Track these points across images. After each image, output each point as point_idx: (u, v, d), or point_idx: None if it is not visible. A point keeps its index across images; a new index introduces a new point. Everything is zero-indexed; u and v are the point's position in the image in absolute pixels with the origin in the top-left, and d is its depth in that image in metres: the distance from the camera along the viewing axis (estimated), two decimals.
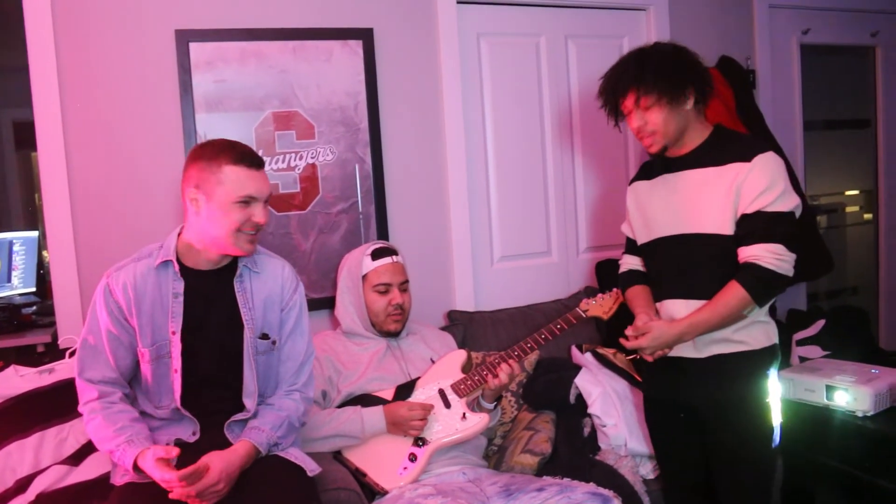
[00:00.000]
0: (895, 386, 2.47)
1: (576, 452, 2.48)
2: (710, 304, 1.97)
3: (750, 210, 1.93)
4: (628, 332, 2.07)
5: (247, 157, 1.93)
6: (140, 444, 1.86)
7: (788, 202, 1.93)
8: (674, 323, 2.01)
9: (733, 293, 1.93)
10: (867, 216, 4.55)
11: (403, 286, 2.57)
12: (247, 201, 1.92)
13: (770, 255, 1.89)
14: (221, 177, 1.90)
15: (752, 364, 2.02)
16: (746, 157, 1.94)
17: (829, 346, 3.08)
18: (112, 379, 1.96)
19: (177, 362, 1.97)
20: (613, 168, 3.52)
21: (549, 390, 2.70)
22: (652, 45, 2.06)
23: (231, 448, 1.92)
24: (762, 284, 1.91)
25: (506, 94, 3.31)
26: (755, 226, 1.92)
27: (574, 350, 2.85)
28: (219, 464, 1.84)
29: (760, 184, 1.91)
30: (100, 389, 1.93)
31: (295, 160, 2.91)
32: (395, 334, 2.56)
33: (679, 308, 2.05)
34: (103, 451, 1.94)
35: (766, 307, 2.04)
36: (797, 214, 1.96)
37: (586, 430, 2.57)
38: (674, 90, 1.96)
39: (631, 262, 2.32)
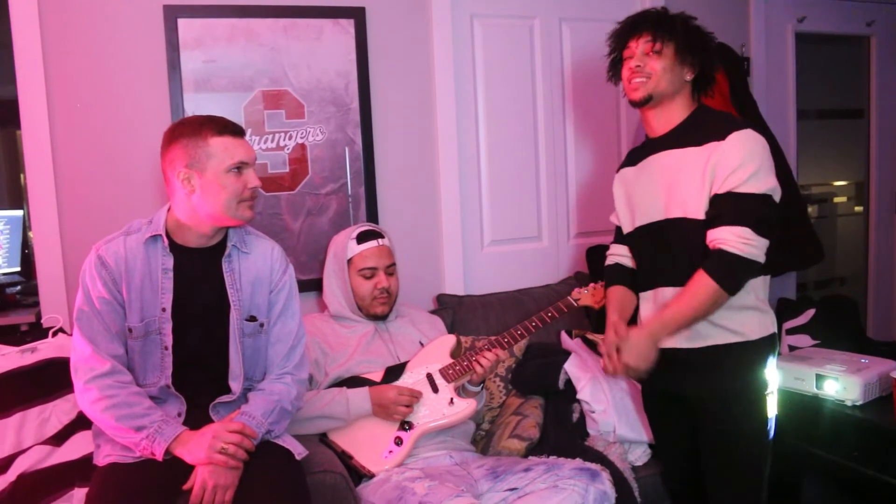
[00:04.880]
0: (884, 375, 2.47)
1: (564, 437, 2.47)
2: (679, 297, 1.90)
3: (721, 190, 1.87)
4: (604, 362, 1.99)
5: (229, 127, 1.95)
6: (171, 430, 1.85)
7: (762, 183, 1.85)
8: (642, 326, 1.96)
9: (700, 284, 1.85)
10: (858, 208, 4.56)
11: (390, 269, 2.55)
12: (239, 167, 1.93)
13: (736, 239, 1.82)
14: (210, 150, 1.89)
15: (748, 355, 1.97)
16: (721, 136, 1.88)
17: (818, 335, 3.08)
18: (119, 355, 1.91)
19: (168, 339, 1.94)
20: (606, 154, 3.49)
21: (538, 376, 2.68)
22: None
23: None
24: (730, 271, 1.84)
25: (498, 77, 3.27)
26: (723, 208, 1.86)
27: (563, 336, 2.84)
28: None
29: (732, 162, 1.85)
30: (112, 364, 1.89)
31: (284, 140, 2.87)
32: (382, 317, 2.54)
33: (672, 296, 1.99)
34: (116, 434, 1.87)
35: (764, 294, 2.01)
36: (775, 198, 1.88)
37: (575, 416, 2.57)
38: (689, 48, 1.96)
39: (617, 253, 2.27)
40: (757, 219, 1.83)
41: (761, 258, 1.85)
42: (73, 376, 1.90)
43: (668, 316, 1.91)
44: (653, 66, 1.95)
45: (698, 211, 1.92)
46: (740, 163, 1.85)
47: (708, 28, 2.04)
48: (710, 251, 1.87)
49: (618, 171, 2.24)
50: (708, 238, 1.88)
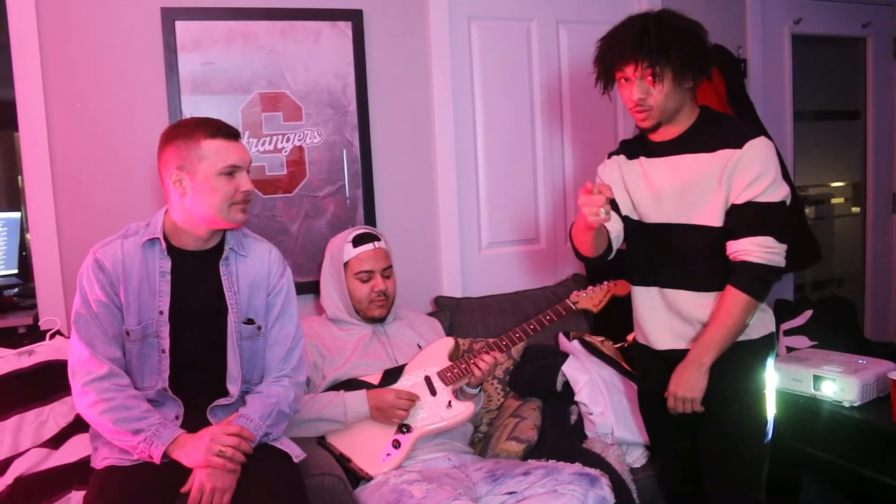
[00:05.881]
0: (882, 376, 2.47)
1: (563, 439, 2.47)
2: (714, 319, 1.91)
3: (740, 201, 1.88)
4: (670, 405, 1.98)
5: (223, 129, 1.93)
6: (168, 433, 1.85)
7: (779, 192, 1.88)
8: (685, 362, 1.94)
9: (733, 299, 1.87)
10: (855, 209, 4.56)
11: (386, 272, 2.54)
12: (231, 171, 1.91)
13: (759, 249, 1.84)
14: (202, 152, 1.89)
15: (749, 354, 1.97)
16: (737, 144, 1.88)
17: (816, 336, 3.08)
18: (116, 359, 1.91)
19: (165, 342, 1.94)
20: (603, 155, 3.47)
21: (536, 378, 2.68)
22: (662, 11, 1.94)
23: None
24: (758, 281, 1.86)
25: (496, 79, 3.27)
26: (744, 218, 1.87)
27: (561, 337, 2.83)
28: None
29: (751, 172, 1.86)
30: (110, 367, 1.88)
31: (282, 142, 2.87)
32: (380, 320, 2.54)
33: (690, 299, 1.99)
34: (113, 437, 1.87)
35: None
36: (787, 203, 1.90)
37: (573, 418, 2.56)
38: (688, 67, 1.88)
39: None
40: (777, 227, 1.86)
41: (783, 263, 1.88)
42: (70, 379, 1.89)
43: (707, 339, 1.92)
44: (655, 98, 1.90)
45: (713, 218, 1.93)
46: (759, 173, 1.86)
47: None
48: (733, 264, 1.89)
49: (610, 155, 2.22)
50: (729, 250, 1.90)
